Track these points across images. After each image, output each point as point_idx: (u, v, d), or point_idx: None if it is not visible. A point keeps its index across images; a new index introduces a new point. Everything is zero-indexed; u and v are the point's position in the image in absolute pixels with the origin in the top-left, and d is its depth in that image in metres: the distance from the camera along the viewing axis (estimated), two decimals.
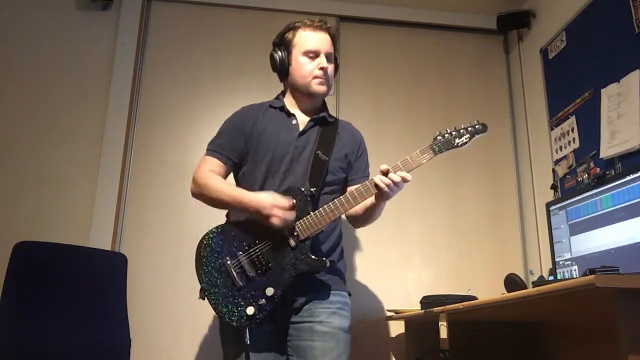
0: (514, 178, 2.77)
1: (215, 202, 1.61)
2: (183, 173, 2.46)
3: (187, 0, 2.73)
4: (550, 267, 2.05)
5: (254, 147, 1.65)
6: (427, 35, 2.91)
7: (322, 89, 1.67)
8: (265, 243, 1.52)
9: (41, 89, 2.51)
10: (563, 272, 1.94)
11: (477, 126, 1.55)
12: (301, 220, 1.51)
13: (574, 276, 1.86)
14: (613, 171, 1.98)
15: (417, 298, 2.11)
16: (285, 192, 1.55)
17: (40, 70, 2.53)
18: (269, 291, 1.47)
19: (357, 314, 2.31)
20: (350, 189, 1.59)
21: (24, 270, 1.70)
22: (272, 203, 1.48)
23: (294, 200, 1.50)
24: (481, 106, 2.83)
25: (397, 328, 2.48)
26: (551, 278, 2.02)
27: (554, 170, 2.42)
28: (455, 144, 1.53)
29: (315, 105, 1.74)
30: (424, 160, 1.51)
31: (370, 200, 1.56)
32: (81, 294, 1.83)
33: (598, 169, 2.10)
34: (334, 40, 1.73)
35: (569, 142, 2.32)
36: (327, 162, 1.63)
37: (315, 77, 1.65)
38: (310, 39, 1.67)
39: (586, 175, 2.16)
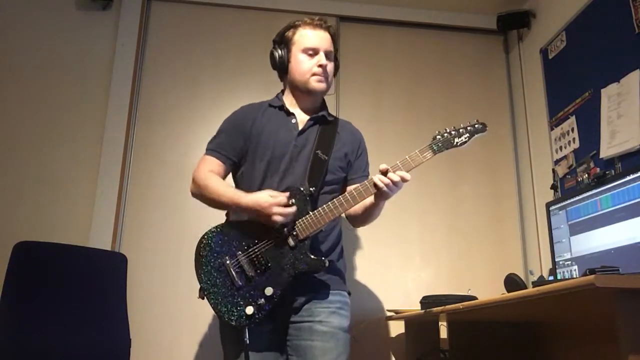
0: (514, 178, 2.77)
1: (214, 203, 1.61)
2: (183, 173, 2.46)
3: (187, 0, 2.73)
4: (550, 267, 2.05)
5: (253, 146, 1.65)
6: (427, 35, 2.91)
7: (321, 86, 1.67)
8: (265, 243, 1.52)
9: (41, 89, 2.51)
10: (563, 272, 1.94)
11: (476, 126, 1.54)
12: (300, 220, 1.51)
13: (574, 276, 1.86)
14: (613, 171, 1.97)
15: (417, 298, 2.11)
16: (284, 192, 1.55)
17: (40, 70, 2.54)
18: (268, 291, 1.47)
19: (357, 314, 2.31)
20: (349, 188, 1.59)
21: (24, 270, 1.70)
22: (270, 202, 1.48)
23: (292, 200, 1.51)
24: (481, 106, 2.83)
25: (397, 328, 2.48)
26: (551, 278, 2.02)
27: (554, 170, 2.42)
28: (455, 143, 1.52)
29: (315, 104, 1.74)
30: (424, 160, 1.50)
31: (370, 199, 1.56)
32: (81, 294, 1.83)
33: (598, 169, 2.09)
34: (334, 39, 1.73)
35: (569, 142, 2.32)
36: (327, 161, 1.63)
37: (314, 75, 1.65)
38: (309, 37, 1.67)
39: (586, 175, 2.16)
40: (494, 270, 2.51)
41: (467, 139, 1.53)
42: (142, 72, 2.62)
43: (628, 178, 1.66)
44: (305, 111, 1.72)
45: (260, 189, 1.59)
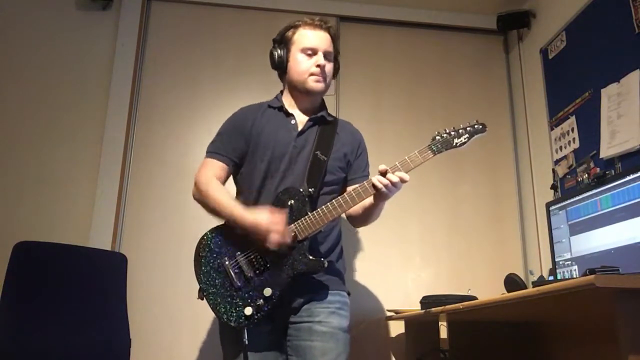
0: (514, 178, 2.77)
1: (213, 213, 1.60)
2: (183, 173, 2.46)
3: (187, 0, 2.73)
4: (550, 267, 2.05)
5: (253, 147, 1.65)
6: (427, 35, 2.91)
7: (319, 86, 1.66)
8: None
9: (41, 89, 2.51)
10: (563, 272, 1.94)
11: (476, 126, 1.54)
12: (299, 221, 1.51)
13: (574, 276, 1.86)
14: (613, 171, 1.97)
15: (417, 298, 2.11)
16: (283, 193, 1.55)
17: (40, 70, 2.54)
18: (267, 292, 1.47)
19: (357, 314, 2.31)
20: (349, 188, 1.59)
21: (24, 270, 1.71)
22: (268, 227, 1.46)
23: (292, 201, 1.50)
24: (481, 106, 2.83)
25: (397, 328, 2.48)
26: (551, 278, 2.02)
27: (554, 170, 2.42)
28: (454, 144, 1.52)
29: (314, 104, 1.73)
30: (423, 161, 1.50)
31: (369, 200, 1.55)
32: (81, 294, 1.83)
33: (598, 169, 2.09)
34: (335, 40, 1.73)
35: (569, 142, 2.32)
36: (326, 162, 1.62)
37: (312, 75, 1.65)
38: (308, 37, 1.67)
39: (586, 175, 2.16)
40: (494, 270, 2.51)
41: (466, 139, 1.52)
42: (142, 72, 2.62)
43: (628, 178, 1.66)
44: (305, 112, 1.72)
45: (260, 190, 1.60)
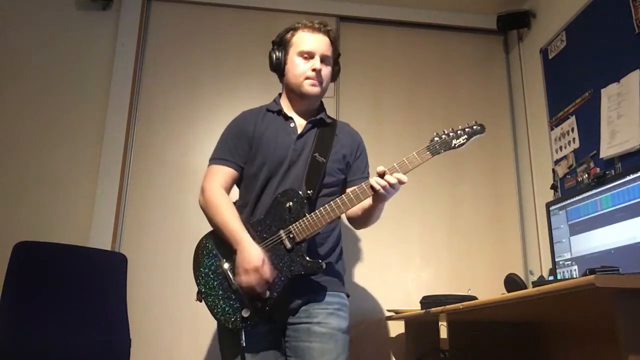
0: (514, 178, 2.77)
1: (216, 227, 1.58)
2: (183, 173, 2.46)
3: (187, 0, 2.73)
4: (550, 267, 2.05)
5: (254, 151, 1.65)
6: (427, 35, 2.91)
7: (314, 90, 1.66)
8: (261, 246, 1.51)
9: (41, 89, 2.51)
10: (563, 272, 1.94)
11: (475, 127, 1.53)
12: (297, 223, 1.50)
13: (574, 276, 1.86)
14: (613, 171, 1.97)
15: (417, 298, 2.11)
16: (282, 195, 1.55)
17: (40, 70, 2.54)
18: (265, 293, 1.47)
19: (357, 314, 2.31)
20: (348, 190, 1.59)
21: (24, 270, 1.71)
22: (254, 269, 1.44)
23: (290, 203, 1.50)
24: (481, 106, 2.83)
25: (397, 328, 2.48)
26: (551, 278, 2.02)
27: (554, 170, 2.42)
28: (453, 145, 1.51)
29: (312, 107, 1.73)
30: (421, 162, 1.49)
31: (368, 201, 1.55)
32: (81, 294, 1.84)
33: (598, 169, 2.09)
34: (334, 43, 1.72)
35: (569, 142, 2.32)
36: (325, 164, 1.62)
37: (307, 78, 1.64)
38: (307, 40, 1.67)
39: (586, 175, 2.16)
40: (494, 270, 2.51)
41: (465, 140, 1.52)
42: (142, 72, 2.62)
43: (628, 178, 1.66)
44: (303, 114, 1.71)
45: (260, 194, 1.60)
